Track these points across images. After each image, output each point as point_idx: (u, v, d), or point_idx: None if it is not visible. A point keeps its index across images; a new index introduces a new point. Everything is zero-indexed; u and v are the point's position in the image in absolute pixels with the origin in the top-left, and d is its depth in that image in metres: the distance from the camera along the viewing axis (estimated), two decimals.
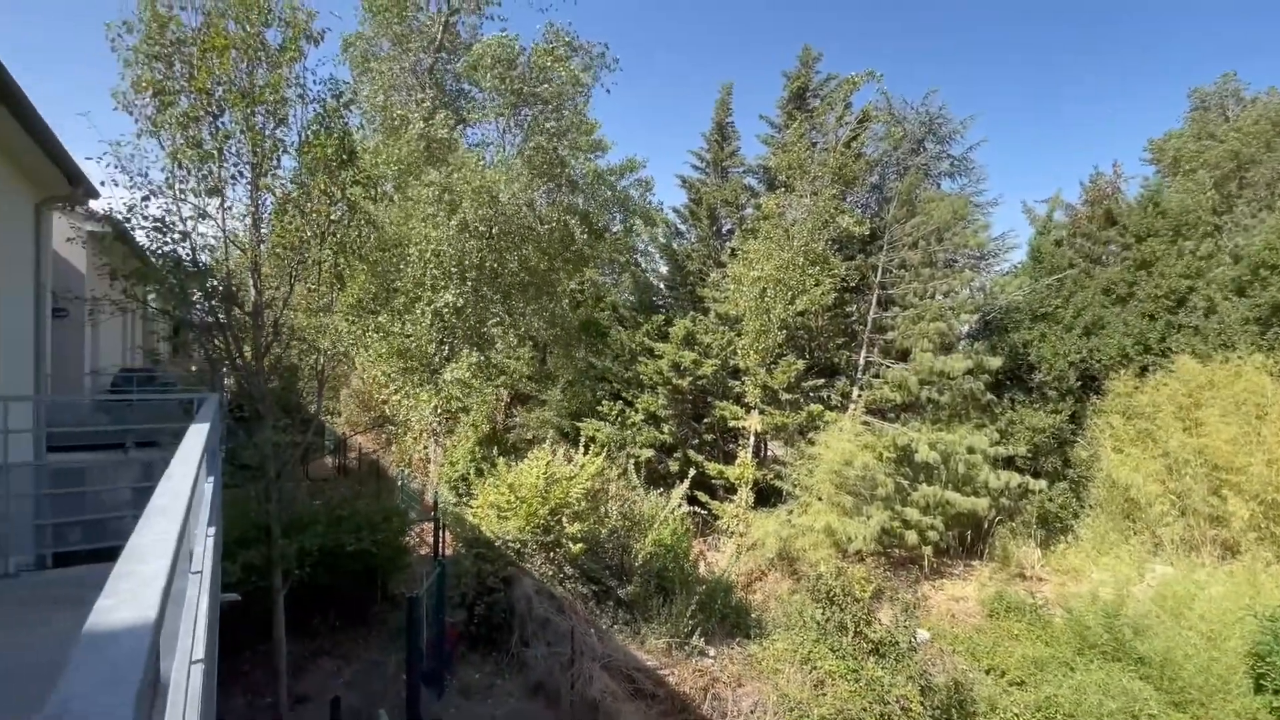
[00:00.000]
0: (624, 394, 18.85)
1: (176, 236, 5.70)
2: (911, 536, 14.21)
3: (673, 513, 13.86)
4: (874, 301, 17.57)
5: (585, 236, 16.89)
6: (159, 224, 5.63)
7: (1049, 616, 12.72)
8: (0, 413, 7.06)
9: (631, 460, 16.45)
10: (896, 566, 15.33)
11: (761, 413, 16.70)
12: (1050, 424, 16.57)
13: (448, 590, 9.30)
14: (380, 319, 12.83)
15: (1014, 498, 15.87)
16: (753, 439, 17.07)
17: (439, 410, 14.60)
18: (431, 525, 12.61)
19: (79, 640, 0.73)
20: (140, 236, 6.25)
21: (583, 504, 11.42)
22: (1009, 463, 16.16)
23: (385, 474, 18.45)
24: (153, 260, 6.67)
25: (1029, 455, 16.59)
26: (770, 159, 19.05)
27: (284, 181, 6.16)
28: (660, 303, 21.54)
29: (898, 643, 10.05)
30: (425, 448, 16.99)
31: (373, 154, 12.61)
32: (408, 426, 16.83)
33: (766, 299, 15.86)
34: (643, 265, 23.34)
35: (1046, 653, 11.19)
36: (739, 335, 16.99)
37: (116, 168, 5.55)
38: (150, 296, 7.47)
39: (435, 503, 12.65)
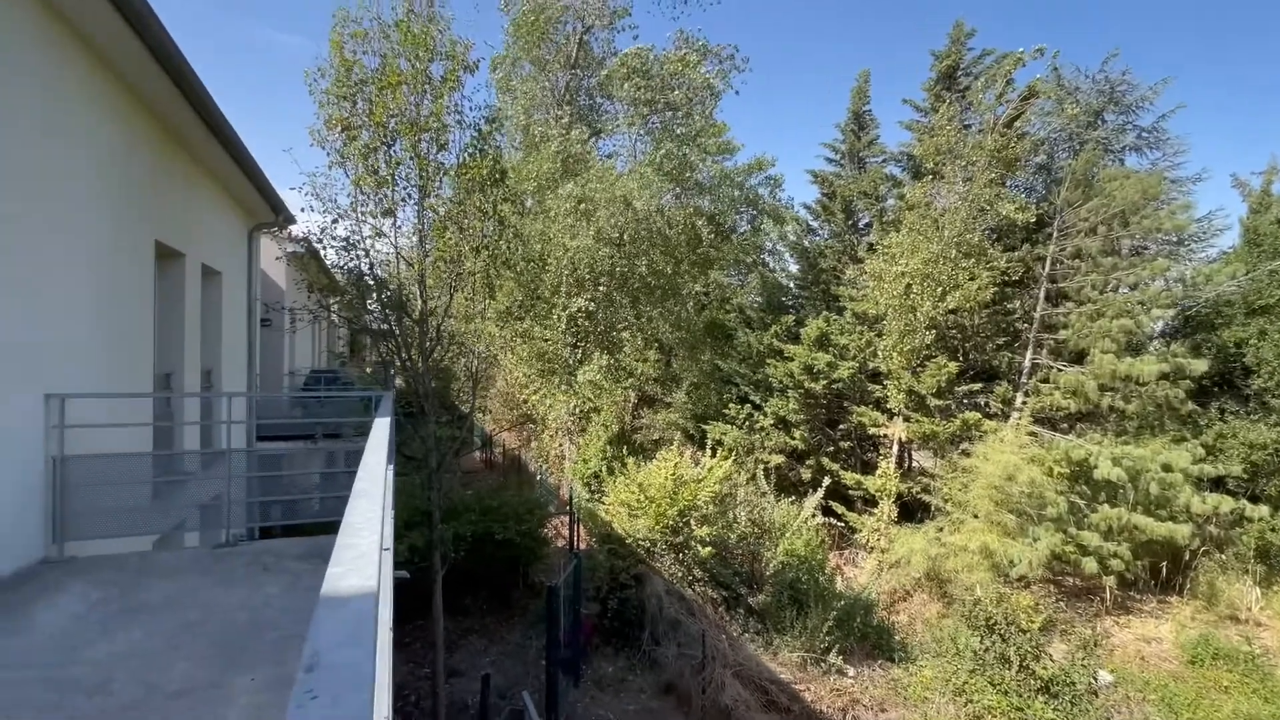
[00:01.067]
0: (752, 397, 18.47)
1: (359, 254, 6.45)
2: (1089, 564, 12.45)
3: (805, 523, 13.32)
4: (1041, 296, 15.60)
5: (712, 238, 16.76)
6: (345, 243, 6.41)
7: (1270, 668, 10.56)
8: (227, 406, 8.38)
9: (760, 466, 16.05)
10: (1070, 597, 13.53)
11: (907, 420, 15.53)
12: (1273, 439, 13.71)
13: (583, 583, 9.66)
14: (524, 324, 13.64)
15: (1224, 525, 13.34)
16: (896, 448, 15.92)
17: (573, 410, 15.26)
18: (566, 519, 13.21)
19: (321, 600, 0.79)
20: (330, 255, 7.15)
21: (710, 507, 11.34)
22: (1218, 484, 13.60)
23: (525, 469, 19.66)
24: (337, 276, 7.62)
25: (1245, 476, 13.84)
26: (915, 145, 17.68)
27: (445, 201, 6.74)
28: (790, 303, 20.84)
29: (1073, 683, 8.86)
30: (560, 445, 17.84)
31: (515, 171, 13.46)
32: (545, 425, 17.78)
33: (912, 296, 14.70)
34: (771, 265, 22.73)
35: (1266, 711, 9.28)
36: (880, 336, 15.93)
37: (312, 195, 6.39)
38: (334, 306, 8.53)
39: (570, 498, 13.23)
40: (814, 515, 13.99)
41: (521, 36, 16.22)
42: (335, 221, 6.36)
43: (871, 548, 15.18)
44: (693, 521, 10.93)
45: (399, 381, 7.86)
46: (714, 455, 12.57)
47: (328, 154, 6.45)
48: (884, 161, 19.54)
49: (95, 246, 4.75)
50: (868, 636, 11.23)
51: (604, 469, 14.79)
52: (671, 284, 16.08)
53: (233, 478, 5.58)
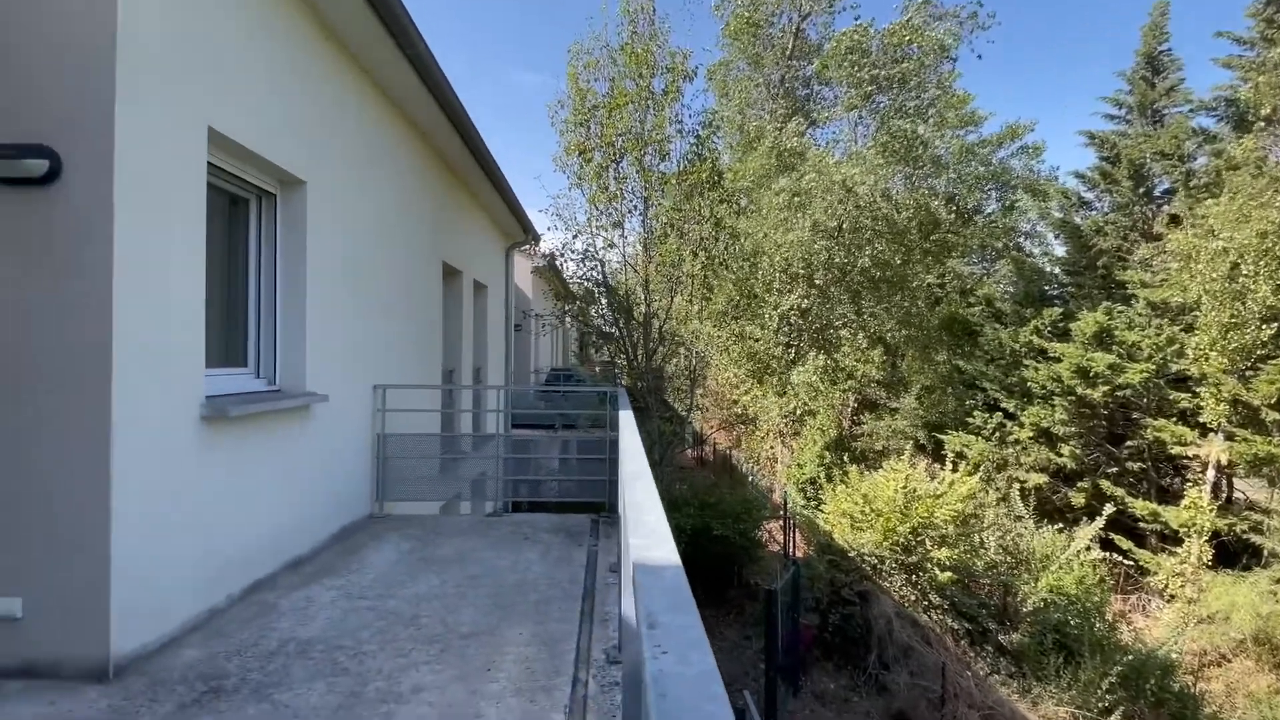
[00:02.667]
0: (1003, 404, 16.02)
1: (594, 264, 7.10)
2: None
3: (1077, 556, 11.14)
4: None
5: (950, 221, 14.94)
6: (583, 255, 7.11)
7: None
8: (498, 397, 9.78)
9: (1015, 485, 13.85)
10: None
11: (1229, 438, 12.09)
12: None
13: (801, 592, 9.33)
14: (739, 324, 13.67)
15: None
16: (1211, 473, 12.50)
17: (788, 412, 14.85)
18: (779, 523, 12.89)
19: (638, 566, 0.85)
20: (569, 266, 7.98)
21: (951, 528, 10.09)
22: None
23: (736, 469, 19.72)
24: (574, 285, 8.47)
25: None
26: (1238, 88, 13.68)
27: (666, 209, 7.08)
28: (1054, 292, 17.62)
29: None
30: (772, 448, 17.51)
31: (730, 171, 13.58)
32: (757, 426, 17.61)
33: (1241, 278, 11.39)
34: (1028, 248, 19.48)
35: None
36: (1189, 330, 12.65)
37: (555, 215, 7.22)
38: (571, 311, 9.48)
39: (785, 502, 12.89)
40: (1088, 548, 11.62)
41: (736, 37, 16.31)
42: (575, 236, 7.11)
43: (1172, 595, 12.12)
44: (928, 541, 9.85)
45: (624, 379, 8.47)
46: (954, 469, 11.17)
47: (567, 177, 7.25)
48: (1191, 111, 15.46)
49: (404, 268, 5.96)
50: (1164, 703, 8.98)
51: (821, 475, 14.13)
52: (899, 276, 14.72)
53: (495, 458, 6.55)
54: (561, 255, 7.49)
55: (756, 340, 14.38)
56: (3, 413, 2.50)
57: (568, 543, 4.46)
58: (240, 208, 3.86)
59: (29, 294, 2.50)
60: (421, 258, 6.49)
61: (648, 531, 1.06)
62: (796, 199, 12.97)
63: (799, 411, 14.90)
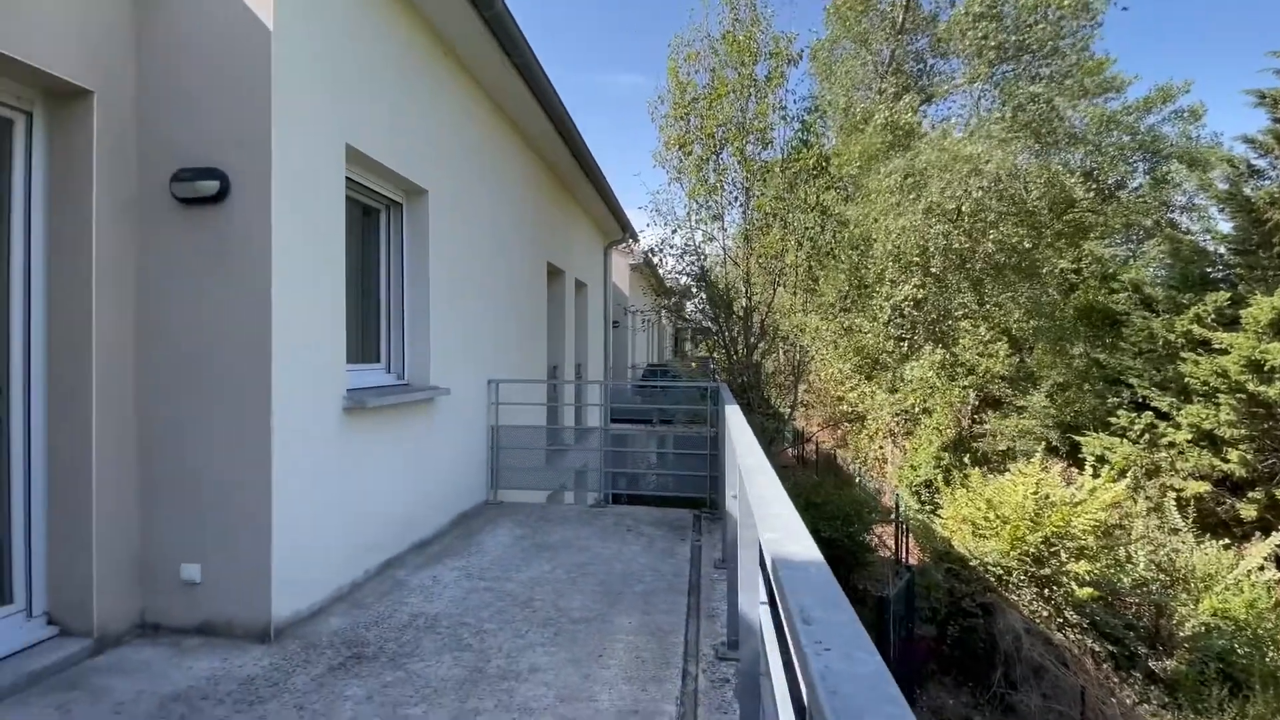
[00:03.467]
0: (1154, 402, 14.18)
1: (693, 258, 7.07)
2: None
3: (1248, 576, 9.66)
4: None
5: (1089, 199, 13.40)
6: (682, 250, 7.10)
7: None
8: (602, 392, 10.01)
9: (1171, 494, 12.24)
10: None
11: None
12: None
13: (915, 601, 8.80)
14: (848, 318, 13.04)
15: None
16: None
17: (900, 409, 14.00)
18: (890, 528, 12.21)
19: (778, 560, 0.83)
20: (668, 262, 7.99)
21: (1091, 539, 9.10)
22: None
23: (841, 469, 18.91)
24: (673, 281, 8.46)
25: None
26: None
27: (769, 199, 6.90)
28: (1220, 275, 15.33)
29: None
30: (881, 447, 16.61)
31: (836, 155, 12.93)
32: (864, 424, 16.78)
33: None
34: (1185, 225, 17.08)
35: None
36: None
37: (654, 211, 7.25)
38: (667, 306, 9.49)
39: (896, 506, 12.20)
40: (1261, 567, 10.05)
41: (842, 16, 15.55)
42: (674, 231, 7.12)
43: None
44: (1063, 553, 8.95)
45: (720, 376, 8.37)
46: (1095, 475, 10.06)
47: (667, 172, 7.26)
48: None
49: (513, 269, 6.25)
50: None
51: (938, 478, 13.22)
52: (1028, 261, 13.40)
53: (596, 451, 6.72)
54: (660, 251, 7.52)
55: (866, 333, 13.65)
56: (187, 404, 2.88)
57: (670, 536, 4.48)
58: (372, 218, 4.21)
59: (206, 300, 2.86)
60: (528, 259, 6.77)
61: (780, 525, 1.02)
62: (911, 180, 12.09)
63: (917, 408, 13.98)
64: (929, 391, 13.26)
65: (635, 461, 11.44)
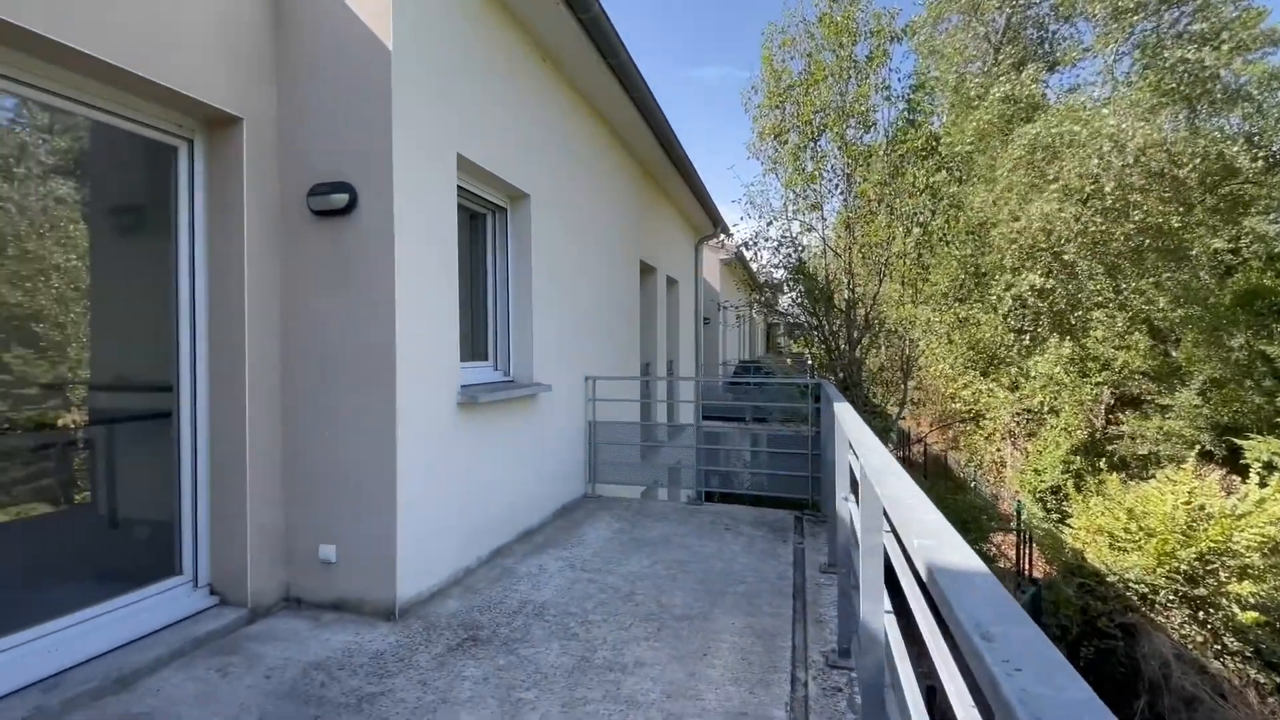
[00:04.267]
0: None
1: (790, 250, 6.85)
2: None
3: None
4: None
5: (1253, 168, 11.63)
6: (778, 242, 6.89)
7: None
8: (696, 389, 9.97)
9: None
10: None
11: None
12: None
13: (1042, 617, 8.05)
14: (963, 308, 12.08)
15: None
16: None
17: (1022, 409, 12.84)
18: (1010, 537, 11.25)
19: (938, 569, 0.76)
20: (763, 255, 7.79)
21: (1257, 557, 7.93)
22: None
23: (951, 474, 17.67)
24: (761, 276, 8.23)
25: None
26: None
27: (873, 184, 6.55)
28: None
29: None
30: (999, 450, 15.34)
31: (946, 134, 11.99)
32: (979, 425, 15.57)
33: None
34: None
35: None
36: None
37: (748, 203, 7.09)
38: (760, 301, 9.24)
39: (1018, 513, 11.22)
40: None
41: None
42: (769, 223, 6.92)
43: None
44: (1223, 571, 7.86)
45: (819, 373, 8.05)
46: (1262, 483, 8.75)
47: (761, 163, 7.07)
48: None
49: (608, 268, 6.35)
50: None
51: (1068, 484, 12.02)
52: (1175, 241, 11.83)
53: (689, 448, 6.68)
54: (754, 244, 7.34)
55: (982, 326, 12.60)
56: (323, 398, 3.15)
57: (771, 537, 4.36)
58: (479, 222, 4.41)
59: (338, 304, 3.11)
60: (622, 257, 6.85)
61: (930, 531, 0.94)
62: (1038, 156, 10.95)
63: (1045, 407, 12.73)
64: (1056, 389, 12.04)
65: (728, 460, 11.30)
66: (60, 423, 3.94)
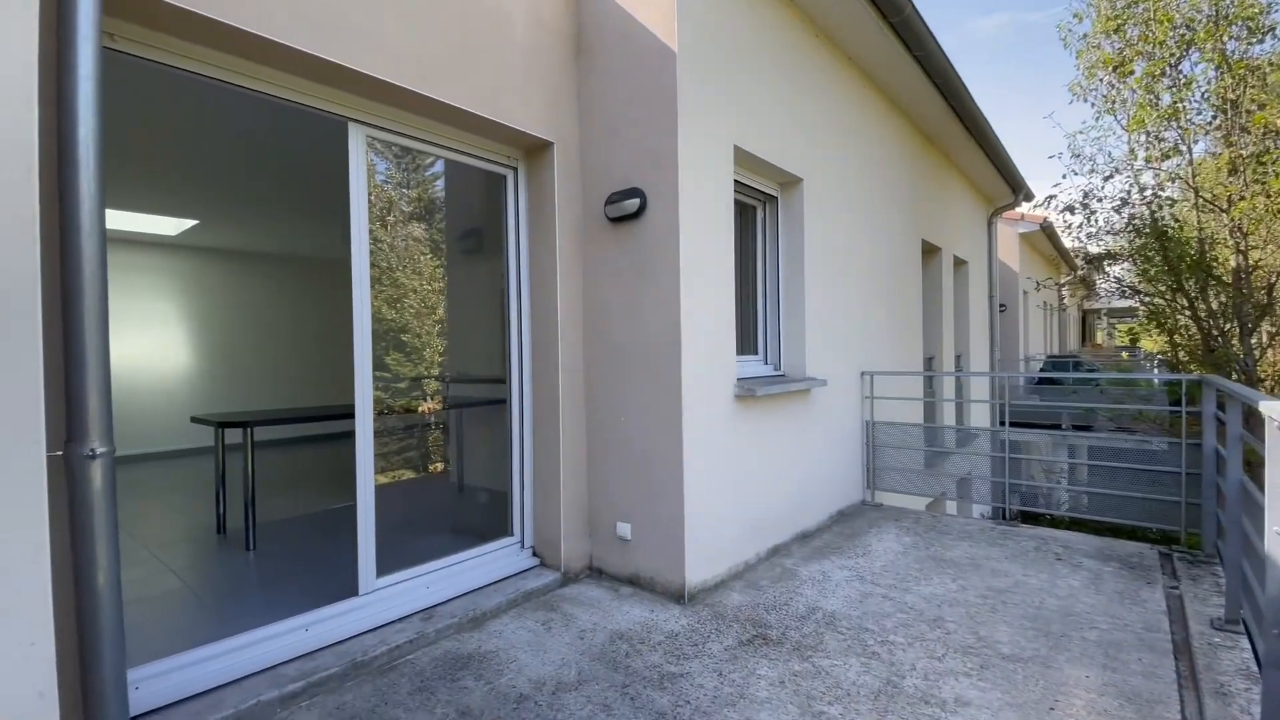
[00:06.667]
0: None
1: (1138, 209, 5.36)
2: None
3: None
4: None
5: None
6: (1120, 201, 5.45)
7: None
8: (993, 385, 8.60)
9: None
10: None
11: None
12: None
13: None
14: None
15: None
16: None
17: None
18: None
19: None
20: (1097, 219, 6.25)
21: None
22: None
23: None
24: (1090, 248, 6.60)
25: None
26: None
27: (1272, 111, 4.73)
28: None
29: None
30: None
31: None
32: None
33: None
34: None
35: None
36: None
37: (1073, 157, 5.74)
38: (1083, 280, 7.45)
39: None
40: None
41: None
42: (1107, 179, 5.51)
43: None
44: None
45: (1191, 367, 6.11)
46: None
47: (1091, 105, 5.68)
48: None
49: (886, 251, 5.77)
50: None
51: None
52: None
53: (984, 455, 5.67)
54: (1084, 207, 5.91)
55: None
56: (619, 385, 3.40)
57: (1126, 575, 3.42)
58: (748, 214, 4.36)
59: (630, 300, 3.33)
60: (901, 238, 6.17)
61: None
62: None
63: None
64: None
65: (1030, 472, 9.39)
66: (421, 409, 5.02)
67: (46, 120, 1.62)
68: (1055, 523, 7.75)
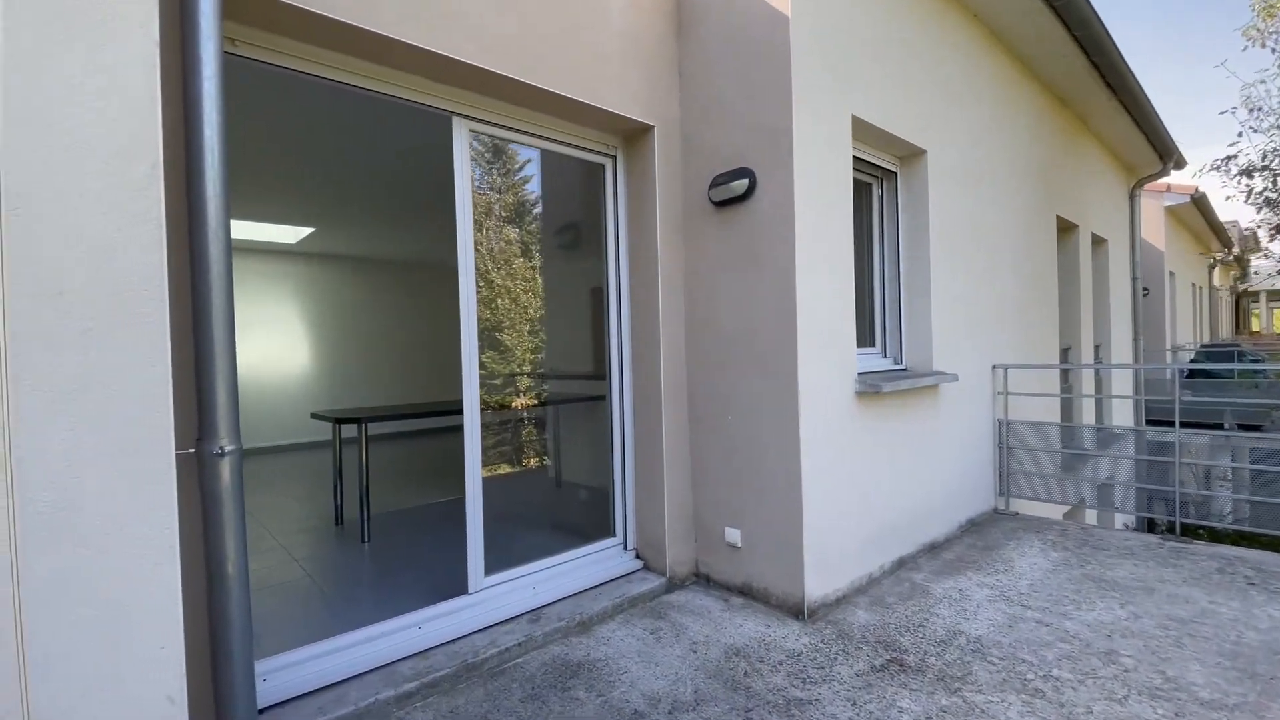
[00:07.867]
0: None
1: None
2: None
3: None
4: None
5: None
6: None
7: None
8: (1135, 379, 7.59)
9: None
10: None
11: None
12: None
13: None
14: None
15: None
16: None
17: None
18: None
19: None
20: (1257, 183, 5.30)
21: None
22: None
23: None
24: (1259, 222, 5.58)
25: None
26: None
27: None
28: None
29: None
30: None
31: None
32: None
33: None
34: None
35: None
36: None
37: (1250, 111, 4.87)
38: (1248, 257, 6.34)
39: None
40: None
41: None
42: None
43: None
44: None
45: None
46: None
47: (1272, 50, 4.78)
48: None
49: (1017, 229, 5.16)
50: None
51: None
52: None
53: (1131, 459, 4.94)
54: (1263, 169, 5.00)
55: None
56: (727, 380, 3.19)
57: None
58: (864, 193, 3.98)
59: (739, 289, 3.10)
60: (1034, 215, 5.50)
61: None
62: None
63: None
64: None
65: (1181, 477, 8.18)
66: (515, 404, 5.01)
67: (171, 121, 1.63)
68: (1217, 537, 6.70)
